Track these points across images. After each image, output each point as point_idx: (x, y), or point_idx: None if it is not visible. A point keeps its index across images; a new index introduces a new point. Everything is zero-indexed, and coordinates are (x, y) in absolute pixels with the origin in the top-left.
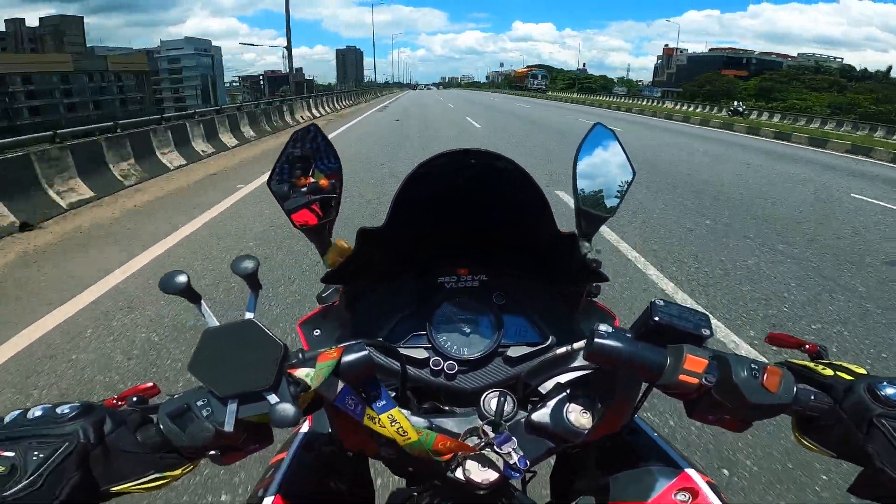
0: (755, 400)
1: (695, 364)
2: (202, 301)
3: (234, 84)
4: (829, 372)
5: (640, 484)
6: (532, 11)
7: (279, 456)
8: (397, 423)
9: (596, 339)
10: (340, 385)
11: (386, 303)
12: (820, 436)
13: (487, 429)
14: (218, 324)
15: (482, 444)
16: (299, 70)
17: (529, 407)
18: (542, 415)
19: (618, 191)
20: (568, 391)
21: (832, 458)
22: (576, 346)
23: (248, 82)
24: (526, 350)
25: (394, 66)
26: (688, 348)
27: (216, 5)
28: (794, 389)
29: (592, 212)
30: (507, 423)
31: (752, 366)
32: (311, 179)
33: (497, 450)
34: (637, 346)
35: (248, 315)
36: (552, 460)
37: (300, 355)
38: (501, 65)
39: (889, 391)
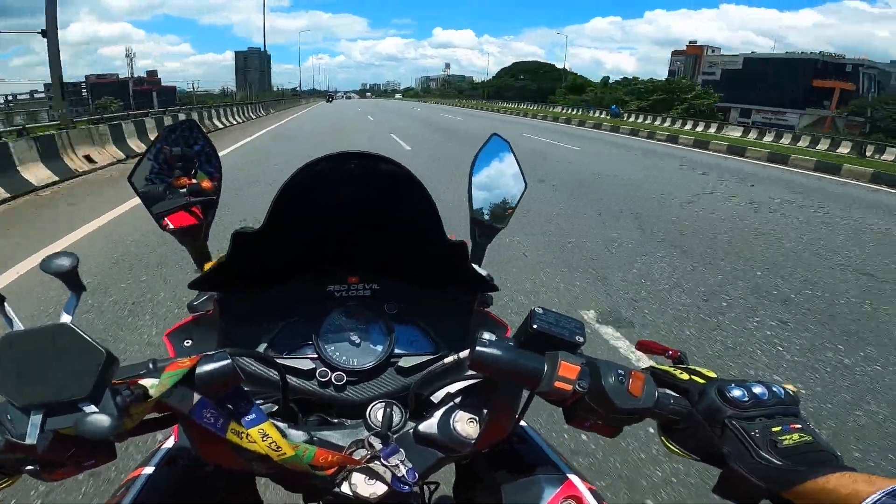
0: (621, 405)
1: (568, 371)
2: (5, 303)
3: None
4: (685, 376)
5: (529, 492)
6: (452, 18)
7: (136, 472)
8: (269, 437)
9: (477, 348)
10: (197, 397)
11: (268, 311)
12: (681, 439)
13: (374, 440)
14: (22, 327)
15: (368, 456)
16: (152, 73)
17: (418, 418)
18: (429, 425)
19: (510, 201)
20: (456, 400)
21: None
22: (462, 355)
23: (70, 89)
24: (418, 360)
25: (302, 72)
26: (562, 355)
27: (104, 10)
28: (656, 394)
29: (486, 221)
30: (395, 435)
31: (619, 371)
32: (193, 181)
33: (384, 462)
34: (516, 354)
35: (65, 318)
36: (452, 471)
37: (150, 365)
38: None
39: (736, 393)
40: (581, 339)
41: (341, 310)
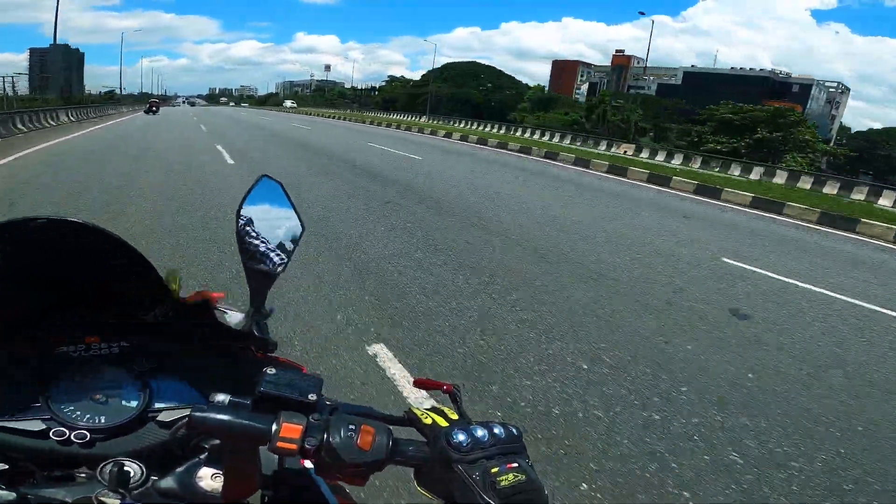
0: (351, 459)
1: (291, 431)
2: None
3: None
4: (428, 420)
5: None
6: (316, 23)
7: None
8: None
9: (193, 413)
10: None
11: None
12: (427, 483)
13: (108, 497)
14: None
15: None
16: None
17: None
18: (169, 481)
19: (287, 246)
20: (202, 456)
21: None
22: None
23: None
24: (181, 413)
25: (132, 74)
26: (284, 416)
27: None
28: (388, 445)
29: (261, 269)
30: (136, 492)
31: (350, 426)
32: None
33: None
34: (240, 417)
35: None
36: None
37: None
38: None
39: (461, 437)
40: (313, 398)
41: (81, 370)
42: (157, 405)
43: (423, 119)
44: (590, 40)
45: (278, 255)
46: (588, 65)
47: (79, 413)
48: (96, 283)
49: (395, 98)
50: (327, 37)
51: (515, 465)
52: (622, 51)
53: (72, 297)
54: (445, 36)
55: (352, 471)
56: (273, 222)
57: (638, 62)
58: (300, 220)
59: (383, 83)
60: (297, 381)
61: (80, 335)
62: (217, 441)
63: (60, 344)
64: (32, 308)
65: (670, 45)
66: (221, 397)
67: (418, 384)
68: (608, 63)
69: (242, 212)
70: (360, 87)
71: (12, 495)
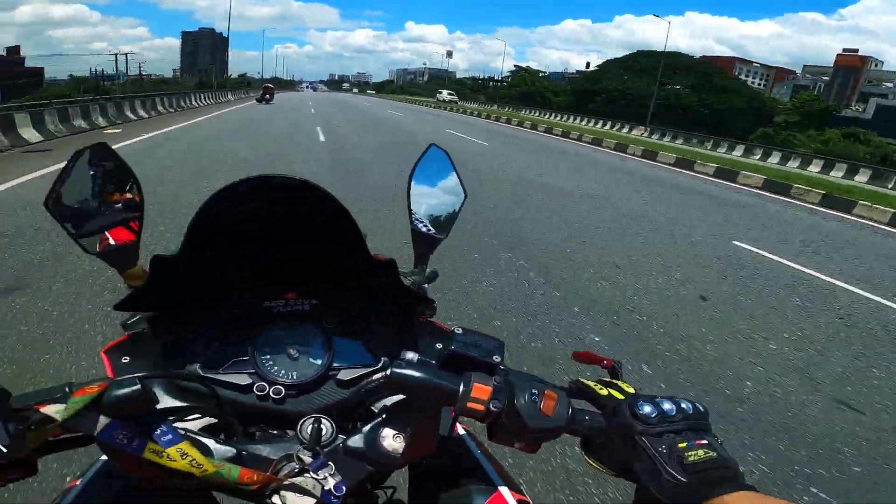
0: (533, 424)
1: (481, 392)
2: None
3: None
4: (604, 392)
5: (459, 503)
6: (426, 13)
7: (73, 483)
8: (189, 455)
9: (392, 369)
10: (105, 420)
11: (204, 328)
12: (599, 454)
13: (303, 454)
14: None
15: (296, 470)
16: (13, 50)
17: (349, 431)
18: (356, 440)
19: (450, 211)
20: (383, 416)
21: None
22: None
23: None
24: (358, 372)
25: (266, 60)
26: (476, 376)
27: None
28: (569, 412)
29: (426, 232)
30: (326, 449)
31: (534, 391)
32: (128, 195)
33: (314, 476)
34: (432, 375)
35: None
36: (406, 480)
37: (66, 388)
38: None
39: (646, 409)
40: (497, 359)
41: (278, 325)
42: (335, 364)
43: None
44: (719, 36)
45: (442, 219)
46: (747, 62)
47: (276, 368)
48: (307, 235)
49: (532, 93)
50: (435, 26)
51: (705, 441)
52: (855, 50)
53: (282, 252)
54: (554, 28)
55: (530, 436)
56: (439, 188)
57: (876, 65)
58: (463, 188)
59: (507, 74)
60: (483, 343)
61: (281, 290)
62: (398, 400)
63: (265, 299)
64: (247, 266)
65: (824, 45)
66: (411, 355)
67: (578, 357)
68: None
69: (413, 178)
70: (479, 78)
71: (232, 450)
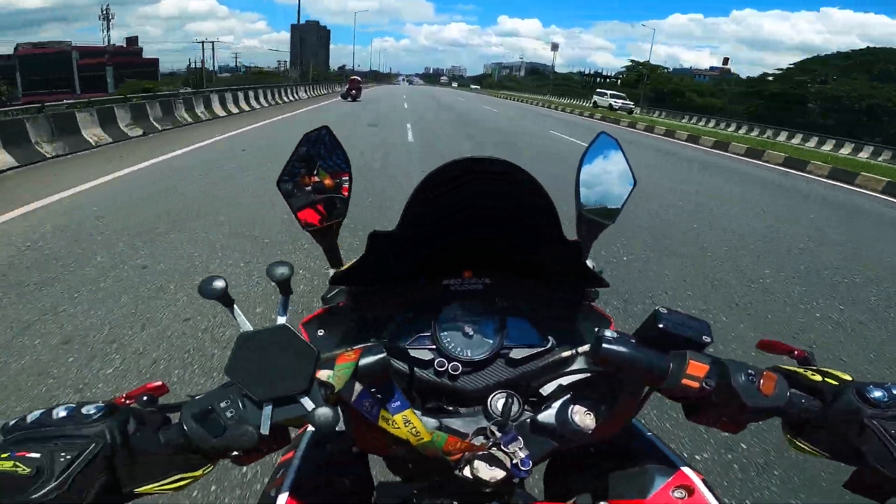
0: (752, 403)
1: (697, 369)
2: (234, 306)
3: None
4: (817, 378)
5: (638, 482)
6: (519, 6)
7: (288, 455)
8: (411, 423)
9: (604, 345)
10: (358, 387)
11: (391, 304)
12: (811, 438)
13: (494, 429)
14: (251, 328)
15: (490, 443)
16: (132, 40)
17: (532, 408)
18: (547, 416)
19: (618, 199)
20: (571, 393)
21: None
22: (580, 350)
23: None
24: (528, 352)
25: (364, 54)
26: (691, 354)
27: None
28: (787, 393)
29: (593, 218)
30: (514, 424)
31: (749, 371)
32: (316, 178)
33: (504, 449)
34: (642, 352)
35: (281, 320)
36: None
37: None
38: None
39: (877, 394)
40: (708, 339)
41: (456, 303)
42: (507, 343)
43: None
44: (864, 33)
45: (610, 206)
46: None
47: (453, 345)
48: (502, 215)
49: (665, 91)
50: (529, 20)
51: None
52: None
53: (467, 232)
54: (659, 22)
55: (746, 416)
56: (608, 175)
57: None
58: (632, 175)
59: (622, 70)
60: (689, 322)
61: (458, 269)
62: (584, 378)
63: (446, 276)
64: (440, 244)
65: None
66: (610, 333)
67: (764, 346)
68: None
69: (583, 165)
70: (585, 73)
71: (435, 422)
